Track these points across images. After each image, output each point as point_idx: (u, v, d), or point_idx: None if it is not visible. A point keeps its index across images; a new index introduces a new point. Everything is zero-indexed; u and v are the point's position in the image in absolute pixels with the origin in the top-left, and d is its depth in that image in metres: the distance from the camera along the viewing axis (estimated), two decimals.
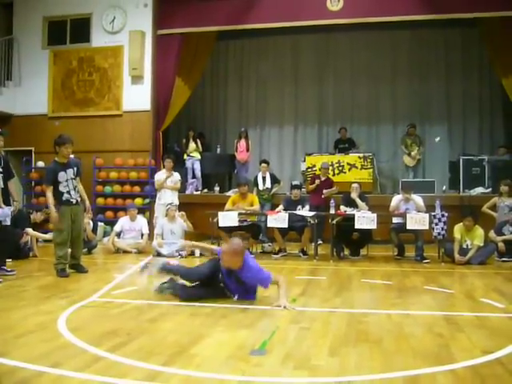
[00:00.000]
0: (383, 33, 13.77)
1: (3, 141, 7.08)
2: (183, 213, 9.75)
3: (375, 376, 3.20)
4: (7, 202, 6.90)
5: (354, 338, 4.08)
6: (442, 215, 8.64)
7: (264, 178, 11.33)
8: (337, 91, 14.66)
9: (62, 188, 6.98)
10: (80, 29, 13.31)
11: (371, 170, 12.41)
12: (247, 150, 13.18)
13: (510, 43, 11.28)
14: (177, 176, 10.51)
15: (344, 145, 13.24)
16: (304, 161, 13.05)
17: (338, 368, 3.36)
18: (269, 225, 9.20)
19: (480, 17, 11.59)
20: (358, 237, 9.08)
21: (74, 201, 7.09)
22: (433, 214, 8.69)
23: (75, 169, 7.17)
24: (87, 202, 7.42)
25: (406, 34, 14.00)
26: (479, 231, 8.54)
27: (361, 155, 12.52)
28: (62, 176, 7.00)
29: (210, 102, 15.51)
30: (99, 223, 11.19)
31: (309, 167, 12.69)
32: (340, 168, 12.44)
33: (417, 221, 8.56)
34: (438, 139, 13.30)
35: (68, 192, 7.02)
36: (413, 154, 12.60)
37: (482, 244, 8.51)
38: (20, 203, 7.50)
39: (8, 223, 6.87)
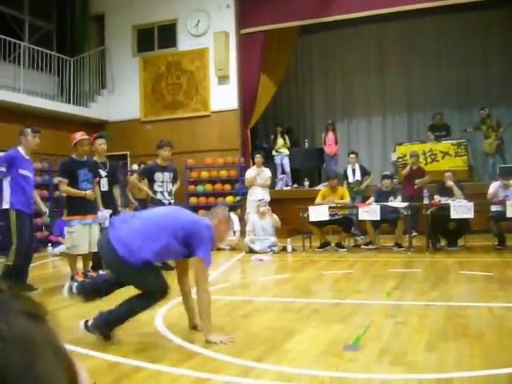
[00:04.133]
0: (471, 13, 13.11)
1: (106, 144, 7.45)
2: (268, 208, 9.72)
3: (476, 373, 3.05)
4: (109, 206, 7.25)
5: (453, 333, 3.92)
6: None
7: (354, 171, 11.15)
8: (424, 77, 14.15)
9: (156, 187, 7.37)
10: (166, 34, 13.73)
11: (466, 157, 11.86)
12: (336, 142, 13.02)
13: None
14: (267, 172, 10.55)
15: (440, 132, 12.51)
16: (394, 151, 12.71)
17: (436, 364, 3.24)
18: (360, 217, 9.04)
19: None
20: (454, 227, 8.73)
21: (167, 202, 7.35)
22: None
23: (172, 174, 7.58)
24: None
25: (497, 12, 13.25)
26: None
27: (454, 142, 12.00)
28: (158, 176, 7.38)
29: (296, 97, 15.48)
30: None
31: (399, 157, 12.34)
32: (432, 156, 11.99)
33: None
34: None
35: (162, 193, 7.36)
36: (488, 140, 11.85)
37: None
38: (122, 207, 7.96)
39: (107, 225, 7.20)
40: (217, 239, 4.07)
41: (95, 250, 6.68)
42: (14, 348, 0.50)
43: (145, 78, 13.88)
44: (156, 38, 13.92)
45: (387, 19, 12.95)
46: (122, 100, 13.86)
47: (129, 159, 13.75)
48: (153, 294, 3.86)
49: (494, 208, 8.57)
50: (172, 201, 7.47)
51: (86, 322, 3.87)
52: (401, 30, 14.23)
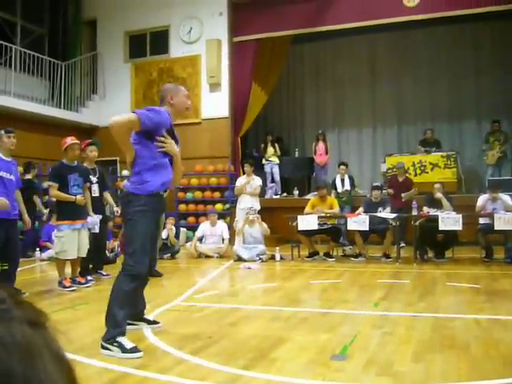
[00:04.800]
0: (463, 26, 13.31)
1: (96, 151, 7.43)
2: (258, 216, 9.75)
3: None
4: (99, 212, 7.24)
5: (439, 344, 3.94)
6: None
7: (343, 181, 11.20)
8: (415, 89, 14.29)
9: None
10: (159, 41, 13.77)
11: (455, 169, 11.97)
12: (326, 152, 13.09)
13: None
14: (258, 181, 10.55)
15: (431, 147, 12.57)
16: (384, 162, 12.79)
17: (422, 375, 3.25)
18: (349, 227, 9.08)
19: None
20: (442, 238, 8.79)
21: None
22: None
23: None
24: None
25: (488, 26, 13.45)
26: None
27: (444, 154, 12.11)
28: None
29: (287, 106, 15.55)
30: (181, 229, 11.49)
31: (389, 168, 12.42)
32: (422, 168, 12.08)
33: (505, 221, 8.16)
34: None
35: None
36: (491, 152, 12.04)
37: None
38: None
39: (96, 231, 7.18)
40: (179, 112, 4.21)
41: (84, 255, 6.67)
42: (16, 356, 0.50)
43: (136, 84, 13.89)
44: (148, 44, 13.95)
45: (380, 30, 13.09)
46: (113, 106, 13.82)
47: (118, 165, 13.71)
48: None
49: (482, 220, 8.63)
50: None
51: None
52: (393, 42, 14.37)
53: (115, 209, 7.63)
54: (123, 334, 3.76)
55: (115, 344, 3.67)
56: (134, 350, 3.67)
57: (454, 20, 11.98)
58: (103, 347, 3.71)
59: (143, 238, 3.85)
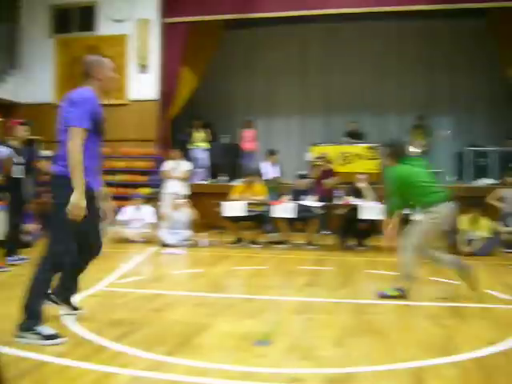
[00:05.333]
0: (391, 23, 13.67)
1: (29, 132, 7.14)
2: (185, 200, 9.70)
3: (379, 367, 3.20)
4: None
5: (359, 329, 4.08)
6: None
7: (270, 168, 11.29)
8: (344, 81, 14.57)
9: None
10: (85, 17, 13.26)
11: (378, 160, 12.34)
12: (254, 139, 13.14)
13: None
14: (184, 165, 10.45)
15: (356, 140, 12.93)
16: (310, 151, 13.00)
17: (343, 359, 3.36)
18: (275, 215, 9.18)
19: (488, 7, 11.48)
20: (364, 227, 9.06)
21: None
22: None
23: None
24: None
25: (414, 24, 13.87)
26: (485, 222, 8.50)
27: (368, 145, 12.45)
28: None
29: (218, 91, 15.44)
30: None
31: (314, 157, 12.63)
32: (347, 158, 12.38)
33: None
34: (445, 133, 13.17)
35: None
36: (415, 143, 12.54)
37: (487, 235, 8.47)
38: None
39: None
40: (107, 87, 4.02)
41: (2, 237, 6.39)
42: None
43: (60, 61, 13.35)
44: (74, 19, 13.41)
45: (311, 21, 13.21)
46: (34, 82, 13.25)
47: (39, 144, 13.18)
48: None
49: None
50: None
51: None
52: (323, 33, 14.54)
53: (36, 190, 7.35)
54: (41, 322, 3.63)
55: (33, 332, 3.56)
56: (55, 336, 3.58)
57: (380, 16, 12.28)
58: (20, 336, 3.58)
59: (70, 224, 3.67)
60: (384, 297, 5.13)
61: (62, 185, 3.67)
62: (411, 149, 12.61)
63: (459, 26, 13.76)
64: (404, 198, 5.26)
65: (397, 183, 5.23)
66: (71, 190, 3.58)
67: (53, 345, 3.52)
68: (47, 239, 3.79)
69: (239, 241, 9.54)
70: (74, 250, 3.80)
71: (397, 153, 5.32)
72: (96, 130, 3.77)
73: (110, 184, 12.61)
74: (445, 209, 5.12)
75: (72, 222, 3.62)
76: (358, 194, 9.25)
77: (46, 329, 3.61)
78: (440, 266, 5.45)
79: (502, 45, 11.91)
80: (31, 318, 3.61)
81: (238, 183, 10.96)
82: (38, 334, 3.56)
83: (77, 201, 3.57)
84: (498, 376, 3.05)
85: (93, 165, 3.83)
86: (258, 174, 10.90)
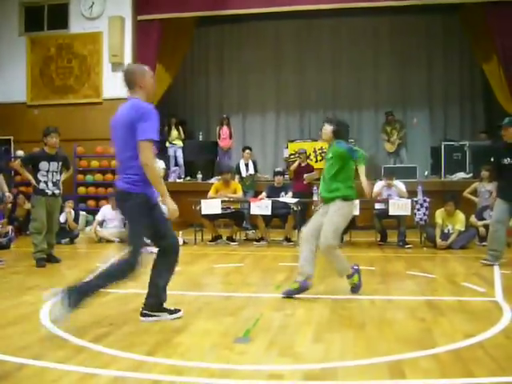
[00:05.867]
0: (365, 19, 13.76)
1: None
2: (161, 199, 9.65)
3: (359, 362, 3.22)
4: None
5: (338, 324, 4.11)
6: (424, 201, 8.72)
7: (247, 165, 11.30)
8: (319, 77, 14.63)
9: (40, 176, 7.02)
10: (58, 15, 13.08)
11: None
12: (230, 137, 13.14)
13: (489, 29, 11.30)
14: (160, 164, 10.41)
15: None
16: (287, 147, 13.04)
17: (321, 354, 3.38)
18: (252, 212, 9.19)
19: (460, 3, 11.64)
20: None
21: (50, 192, 7.05)
22: (415, 199, 8.76)
23: (60, 163, 7.23)
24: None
25: (388, 20, 14.02)
26: (460, 216, 8.63)
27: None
28: (43, 165, 7.04)
29: (192, 88, 15.40)
30: (81, 212, 11.11)
31: (292, 154, 12.68)
32: (323, 154, 12.42)
33: (399, 207, 8.61)
34: (415, 121, 13.35)
35: (45, 182, 7.02)
36: (392, 139, 12.71)
37: (463, 229, 8.59)
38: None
39: None
40: (149, 94, 4.13)
41: None
42: None
43: (32, 60, 13.15)
44: (46, 17, 13.21)
45: (285, 17, 13.24)
46: (5, 81, 13.04)
47: (12, 144, 12.99)
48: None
49: (377, 206, 9.03)
50: (56, 191, 7.13)
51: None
52: (298, 30, 14.59)
53: (7, 194, 7.20)
54: (164, 304, 4.26)
55: (160, 311, 4.19)
56: (177, 310, 4.27)
57: (356, 12, 12.35)
58: (148, 315, 4.17)
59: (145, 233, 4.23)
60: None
61: (126, 199, 4.00)
62: (387, 145, 12.81)
63: (433, 22, 13.96)
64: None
65: (332, 160, 5.21)
66: (134, 203, 3.95)
67: (177, 318, 4.20)
68: (128, 248, 4.10)
69: (217, 238, 9.53)
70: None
71: (340, 132, 5.27)
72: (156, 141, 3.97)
73: (84, 184, 12.56)
74: (352, 207, 5.28)
75: (146, 231, 4.11)
76: None
77: (168, 308, 4.25)
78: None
79: (476, 40, 12.09)
80: (156, 302, 4.21)
81: (214, 181, 10.96)
82: (164, 311, 4.20)
83: (170, 205, 4.03)
84: (475, 367, 3.10)
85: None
86: (233, 171, 10.91)
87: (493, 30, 11.20)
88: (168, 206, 4.03)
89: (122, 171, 4.06)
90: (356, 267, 5.24)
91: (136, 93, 4.04)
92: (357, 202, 8.50)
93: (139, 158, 3.84)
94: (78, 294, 3.80)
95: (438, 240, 8.50)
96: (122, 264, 4.06)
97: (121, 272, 4.07)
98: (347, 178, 5.18)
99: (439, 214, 8.67)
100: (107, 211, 9.99)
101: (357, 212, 8.54)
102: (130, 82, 4.05)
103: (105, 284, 4.05)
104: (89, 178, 12.63)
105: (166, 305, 4.27)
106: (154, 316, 4.18)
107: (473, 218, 8.97)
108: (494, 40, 11.21)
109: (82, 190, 12.57)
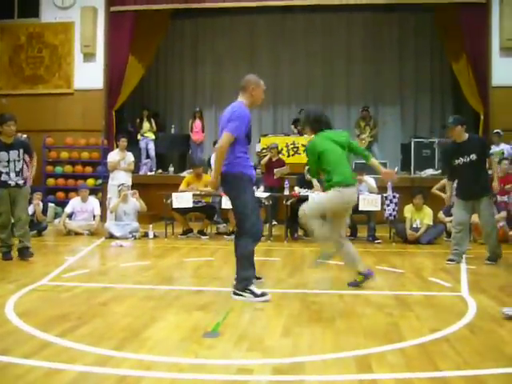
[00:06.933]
0: (339, 15, 13.85)
1: None
2: (135, 191, 9.63)
3: (327, 356, 3.25)
4: None
5: (307, 319, 4.13)
6: (394, 196, 8.83)
7: None
8: (292, 72, 14.66)
9: (1, 168, 6.67)
10: (28, 3, 12.83)
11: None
12: (202, 130, 13.09)
13: (460, 28, 11.48)
14: (130, 156, 10.32)
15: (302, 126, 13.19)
16: (259, 142, 13.03)
17: (290, 348, 3.40)
18: (223, 206, 9.16)
19: (433, 3, 11.79)
20: None
21: (13, 183, 6.71)
22: (384, 195, 8.86)
23: (21, 150, 6.82)
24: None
25: (361, 16, 14.12)
26: (428, 210, 8.77)
27: None
28: (2, 156, 6.67)
29: (165, 81, 15.28)
30: (50, 204, 10.96)
31: (264, 148, 12.64)
32: (295, 149, 12.45)
33: (369, 202, 8.69)
34: (388, 119, 13.50)
35: (7, 173, 6.66)
36: (362, 136, 12.78)
37: (431, 223, 8.73)
38: None
39: None
40: (254, 104, 5.19)
41: None
42: None
43: (1, 48, 12.90)
44: (16, 5, 12.94)
45: (259, 12, 13.22)
46: None
47: None
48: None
49: None
50: (21, 181, 6.81)
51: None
52: (272, 24, 14.59)
53: None
54: (252, 284, 4.77)
55: (248, 292, 4.67)
56: (264, 294, 4.70)
57: (330, 8, 12.41)
58: (238, 294, 4.71)
59: (251, 204, 4.94)
60: (355, 285, 5.20)
61: (228, 180, 4.80)
62: (360, 138, 12.87)
63: (405, 19, 14.12)
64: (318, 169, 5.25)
65: (309, 154, 5.26)
66: (235, 182, 4.77)
67: (264, 301, 4.58)
68: (237, 221, 4.91)
69: (188, 232, 9.50)
70: (259, 221, 4.98)
71: (315, 123, 5.29)
72: (246, 136, 4.87)
73: (54, 175, 12.38)
74: (347, 192, 5.08)
75: (251, 203, 4.86)
76: (306, 184, 9.33)
77: (256, 289, 4.71)
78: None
79: (447, 39, 12.27)
80: (245, 281, 4.73)
81: (186, 174, 10.90)
82: (252, 292, 4.66)
83: (213, 178, 4.94)
84: (440, 361, 3.16)
85: (247, 161, 4.88)
86: (206, 165, 10.88)
87: (463, 30, 11.38)
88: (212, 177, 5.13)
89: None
90: (370, 272, 5.26)
91: (243, 96, 5.06)
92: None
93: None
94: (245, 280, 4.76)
95: (409, 231, 8.62)
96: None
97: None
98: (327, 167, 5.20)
99: (408, 209, 8.80)
100: (76, 203, 9.86)
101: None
102: (244, 86, 5.05)
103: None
104: (58, 169, 12.46)
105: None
106: (241, 296, 4.69)
107: (441, 214, 9.11)
108: (464, 40, 11.40)
109: (51, 181, 12.39)
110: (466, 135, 6.72)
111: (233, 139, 4.71)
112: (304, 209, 5.16)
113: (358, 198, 8.73)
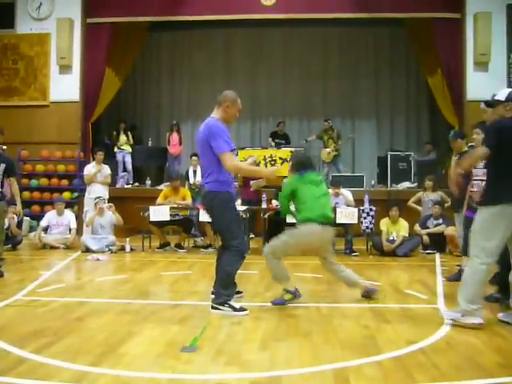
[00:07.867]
0: (315, 29, 13.99)
1: None
2: (111, 204, 9.57)
3: (305, 370, 3.26)
4: None
5: (285, 332, 4.14)
6: (370, 209, 8.92)
7: (195, 172, 11.24)
8: (270, 85, 14.75)
9: None
10: (3, 14, 12.70)
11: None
12: (179, 143, 13.08)
13: (434, 43, 11.69)
14: (107, 169, 10.27)
15: (280, 140, 13.24)
16: (237, 155, 12.98)
17: (268, 363, 3.40)
18: (201, 219, 9.13)
19: (407, 17, 12.00)
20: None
21: None
22: (361, 208, 8.93)
23: (2, 165, 6.55)
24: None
25: (338, 31, 14.30)
26: (403, 223, 8.87)
27: (293, 149, 12.63)
28: None
29: (142, 94, 15.25)
30: (25, 218, 10.80)
31: (241, 161, 12.64)
32: (272, 162, 12.50)
33: (346, 215, 8.75)
34: (351, 136, 13.62)
35: None
36: (327, 150, 12.81)
37: (406, 234, 8.82)
38: None
39: None
40: (226, 121, 5.16)
41: None
42: None
43: None
44: None
45: (237, 26, 13.30)
46: None
47: None
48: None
49: None
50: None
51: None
52: (250, 38, 14.67)
53: None
54: (232, 299, 4.78)
55: (227, 306, 4.66)
56: (243, 309, 4.68)
57: (307, 22, 12.55)
58: (216, 308, 4.68)
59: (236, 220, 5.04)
60: (279, 304, 5.11)
61: (213, 197, 4.81)
62: (325, 151, 12.91)
63: (380, 34, 14.33)
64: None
65: (284, 191, 5.37)
66: (218, 199, 4.79)
67: (243, 316, 4.59)
68: (222, 238, 4.92)
69: (165, 245, 9.45)
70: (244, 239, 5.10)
71: (297, 165, 5.40)
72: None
73: (29, 188, 12.22)
74: (313, 229, 5.12)
75: (236, 220, 5.01)
76: None
77: (235, 303, 4.72)
78: None
79: (422, 53, 12.48)
80: (226, 296, 4.71)
81: (163, 187, 10.87)
82: (231, 306, 4.66)
83: (266, 172, 5.64)
84: (417, 373, 3.18)
85: (230, 178, 4.93)
86: (183, 178, 10.85)
87: (438, 45, 11.60)
88: (269, 174, 5.44)
89: (206, 176, 5.00)
90: (296, 293, 5.19)
91: (217, 112, 5.11)
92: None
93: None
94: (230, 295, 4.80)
95: (385, 243, 8.70)
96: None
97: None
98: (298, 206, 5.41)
99: (383, 223, 8.89)
100: (52, 217, 9.75)
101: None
102: (220, 101, 5.10)
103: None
104: (33, 182, 12.31)
105: None
106: (220, 310, 4.68)
107: (417, 227, 9.22)
108: (439, 54, 11.61)
109: (26, 194, 12.21)
110: (466, 147, 6.89)
111: (230, 154, 4.81)
112: (266, 248, 5.29)
113: (335, 211, 8.82)
